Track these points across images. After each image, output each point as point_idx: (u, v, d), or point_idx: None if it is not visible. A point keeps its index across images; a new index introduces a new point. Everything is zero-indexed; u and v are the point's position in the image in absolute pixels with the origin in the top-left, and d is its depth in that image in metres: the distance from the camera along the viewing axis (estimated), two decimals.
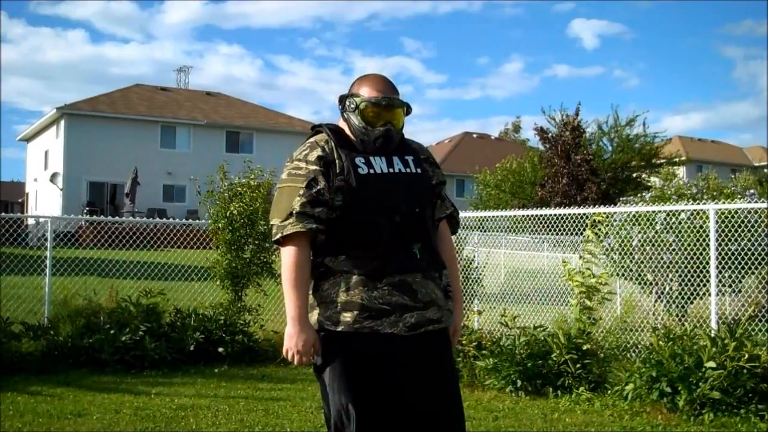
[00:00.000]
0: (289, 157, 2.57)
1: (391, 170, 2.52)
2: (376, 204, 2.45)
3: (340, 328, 2.41)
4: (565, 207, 12.00)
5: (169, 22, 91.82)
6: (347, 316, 2.40)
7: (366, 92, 2.58)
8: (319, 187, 2.43)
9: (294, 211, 2.40)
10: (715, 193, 9.23)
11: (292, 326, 2.41)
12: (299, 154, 2.53)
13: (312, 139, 2.58)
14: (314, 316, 2.47)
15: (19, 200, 43.29)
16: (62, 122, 32.98)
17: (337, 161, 2.48)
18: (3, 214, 8.93)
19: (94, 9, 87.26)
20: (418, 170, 2.58)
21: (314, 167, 2.46)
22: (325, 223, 2.43)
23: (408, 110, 2.64)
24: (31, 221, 21.95)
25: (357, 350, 2.40)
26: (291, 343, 2.41)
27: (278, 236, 2.43)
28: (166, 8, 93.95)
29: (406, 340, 2.44)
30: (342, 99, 2.63)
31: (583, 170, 26.10)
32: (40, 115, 35.89)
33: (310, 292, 2.50)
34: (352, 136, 2.56)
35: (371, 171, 2.48)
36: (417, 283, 2.45)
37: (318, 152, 2.49)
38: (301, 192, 2.42)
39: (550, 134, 27.46)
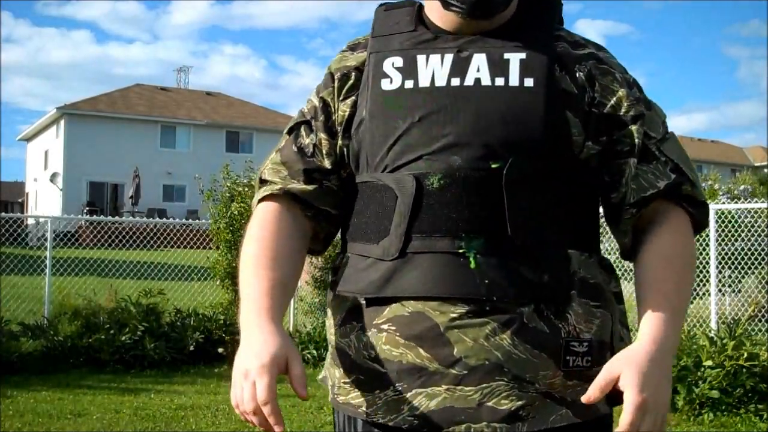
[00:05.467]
0: None
1: (454, 81, 1.26)
2: (396, 150, 1.26)
3: (330, 396, 1.35)
4: None
5: (175, 22, 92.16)
6: (332, 377, 1.34)
7: None
8: (303, 142, 1.37)
9: (261, 176, 1.42)
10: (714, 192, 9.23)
11: (242, 339, 1.22)
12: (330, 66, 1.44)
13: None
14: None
15: (19, 200, 43.30)
16: (62, 122, 33.01)
17: (353, 73, 1.36)
18: (3, 214, 8.94)
19: (100, 9, 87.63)
20: (527, 82, 1.24)
21: (315, 100, 1.39)
22: (319, 182, 1.35)
23: None
24: (31, 221, 21.94)
25: None
26: (235, 380, 1.16)
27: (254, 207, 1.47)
28: (172, 9, 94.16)
29: None
30: None
31: None
32: (44, 115, 35.94)
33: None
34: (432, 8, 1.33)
35: (406, 84, 1.28)
36: (458, 326, 1.17)
37: (341, 64, 1.39)
38: (282, 144, 1.40)
39: None
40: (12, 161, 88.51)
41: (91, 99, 34.78)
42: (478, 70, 1.27)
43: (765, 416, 5.25)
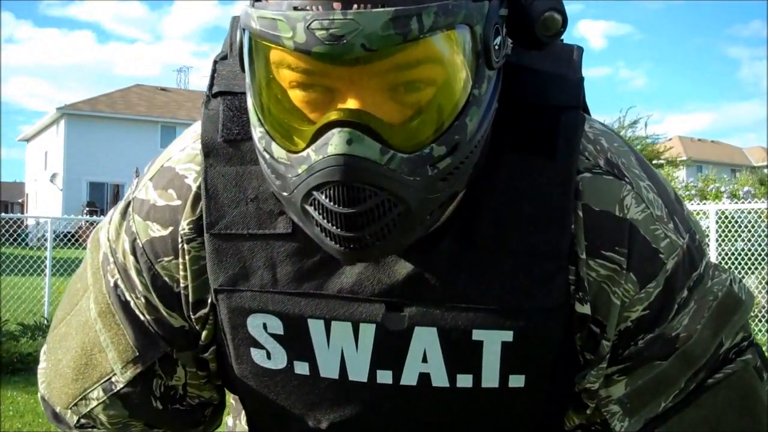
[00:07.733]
0: (126, 200, 0.94)
1: (382, 377, 0.72)
2: None
3: None
4: None
5: (178, 23, 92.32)
6: None
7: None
8: (167, 383, 0.84)
9: (78, 414, 0.87)
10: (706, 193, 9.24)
11: None
12: (122, 219, 0.93)
13: (181, 166, 0.89)
14: None
15: (19, 201, 43.34)
16: (62, 122, 33.03)
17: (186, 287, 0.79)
18: (3, 214, 8.95)
19: (103, 10, 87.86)
20: (514, 381, 0.71)
21: (160, 305, 0.82)
22: None
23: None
24: (31, 221, 21.94)
25: None
26: None
27: None
28: (174, 10, 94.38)
29: None
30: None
31: None
32: (44, 115, 36.06)
33: None
34: None
35: (296, 368, 0.74)
36: None
37: (157, 260, 0.83)
38: (117, 384, 0.84)
39: None
40: (12, 161, 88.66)
41: (91, 99, 34.81)
42: (424, 359, 0.69)
43: None
